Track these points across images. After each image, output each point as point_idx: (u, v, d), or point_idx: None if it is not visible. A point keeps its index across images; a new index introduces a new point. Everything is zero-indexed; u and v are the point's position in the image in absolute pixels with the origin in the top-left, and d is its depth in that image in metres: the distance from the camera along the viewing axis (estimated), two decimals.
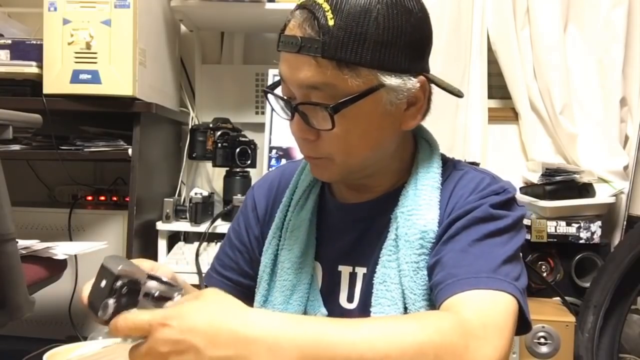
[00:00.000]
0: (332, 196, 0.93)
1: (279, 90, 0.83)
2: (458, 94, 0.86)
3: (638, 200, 2.09)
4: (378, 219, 0.86)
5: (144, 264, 0.72)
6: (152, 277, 0.64)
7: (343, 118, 0.76)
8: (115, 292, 0.61)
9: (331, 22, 0.73)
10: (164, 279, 0.65)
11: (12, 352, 1.93)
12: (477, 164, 0.91)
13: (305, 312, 0.88)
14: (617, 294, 1.81)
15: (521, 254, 0.80)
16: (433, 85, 0.84)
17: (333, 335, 0.59)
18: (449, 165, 0.88)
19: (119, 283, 0.61)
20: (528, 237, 1.96)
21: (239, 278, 0.99)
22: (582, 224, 1.97)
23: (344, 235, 0.89)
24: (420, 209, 0.82)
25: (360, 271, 0.87)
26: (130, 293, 0.62)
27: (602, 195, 2.06)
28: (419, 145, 0.90)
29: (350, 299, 0.87)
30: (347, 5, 0.74)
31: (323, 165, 0.83)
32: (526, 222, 1.94)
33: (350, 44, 0.73)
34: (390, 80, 0.76)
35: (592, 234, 1.96)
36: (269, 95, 0.83)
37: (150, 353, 0.58)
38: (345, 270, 0.88)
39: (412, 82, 0.78)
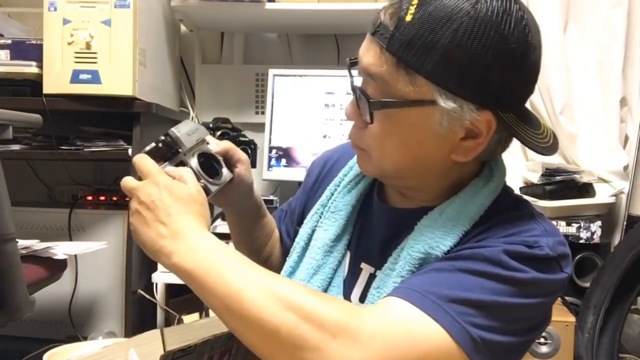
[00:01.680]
0: (379, 191, 0.89)
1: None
2: (540, 152, 0.73)
3: (638, 200, 2.09)
4: (407, 231, 0.79)
5: (220, 145, 0.90)
6: (204, 155, 0.83)
7: (385, 118, 0.72)
8: (161, 152, 0.79)
9: (408, 17, 0.68)
10: (217, 167, 0.87)
11: (12, 352, 1.93)
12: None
13: None
14: (617, 294, 1.81)
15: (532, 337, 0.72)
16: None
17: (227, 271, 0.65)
18: (508, 201, 0.78)
19: (164, 143, 0.79)
20: None
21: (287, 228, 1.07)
22: (582, 224, 1.97)
23: (375, 235, 0.86)
24: (437, 227, 0.75)
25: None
26: (173, 158, 0.80)
27: (602, 195, 2.06)
28: (482, 171, 0.80)
29: (362, 298, 0.84)
30: (432, 6, 0.67)
31: (363, 157, 0.80)
32: None
33: (416, 47, 0.67)
34: (446, 103, 0.68)
35: (592, 234, 1.96)
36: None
37: (133, 194, 0.74)
38: (366, 269, 0.86)
39: (473, 115, 0.69)
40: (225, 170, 0.88)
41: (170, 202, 0.71)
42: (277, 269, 0.94)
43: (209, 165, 0.85)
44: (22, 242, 1.41)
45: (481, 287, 0.66)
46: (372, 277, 0.84)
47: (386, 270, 0.79)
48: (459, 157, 0.74)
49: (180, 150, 0.79)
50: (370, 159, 0.78)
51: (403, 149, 0.74)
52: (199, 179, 0.79)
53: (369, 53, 0.72)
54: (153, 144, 0.79)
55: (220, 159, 0.89)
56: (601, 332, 1.80)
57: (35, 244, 1.48)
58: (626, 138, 2.18)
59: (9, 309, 1.22)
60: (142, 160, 0.76)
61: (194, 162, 0.80)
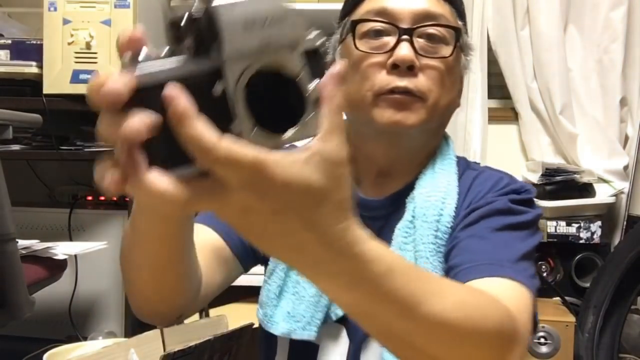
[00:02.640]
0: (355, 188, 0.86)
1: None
2: None
3: (638, 200, 2.09)
4: (394, 215, 0.82)
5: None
6: (271, 76, 0.39)
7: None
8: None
9: None
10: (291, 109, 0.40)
11: (12, 352, 1.93)
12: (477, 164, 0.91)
13: (327, 308, 0.80)
14: (617, 294, 1.81)
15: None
16: None
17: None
18: (462, 162, 0.87)
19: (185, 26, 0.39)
20: None
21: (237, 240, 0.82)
22: (582, 224, 1.97)
23: None
24: (438, 190, 0.80)
25: None
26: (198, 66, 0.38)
27: (602, 195, 2.06)
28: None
29: None
30: None
31: (413, 105, 0.78)
32: None
33: None
34: (464, 38, 0.84)
35: (592, 234, 1.97)
36: (363, 25, 0.82)
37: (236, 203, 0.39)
38: None
39: (467, 60, 0.85)
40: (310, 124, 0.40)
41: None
42: (202, 282, 0.74)
43: (276, 100, 0.40)
44: (22, 242, 1.41)
45: (516, 239, 0.74)
46: None
47: (400, 244, 0.79)
48: (458, 102, 0.87)
49: (215, 50, 0.38)
50: (423, 105, 0.79)
51: (452, 91, 0.83)
52: (228, 123, 0.38)
53: (422, 1, 0.80)
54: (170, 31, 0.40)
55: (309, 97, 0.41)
56: (601, 332, 1.80)
57: (35, 244, 1.48)
58: (626, 138, 2.18)
59: (9, 309, 1.22)
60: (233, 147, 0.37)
61: (239, 86, 0.38)
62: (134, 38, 0.38)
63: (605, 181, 2.11)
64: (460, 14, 0.85)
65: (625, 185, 2.10)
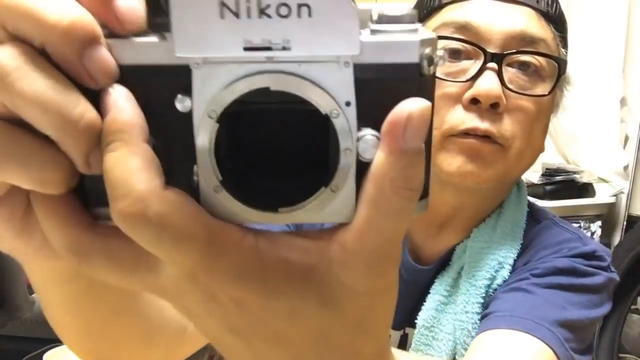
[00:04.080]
0: (404, 243, 0.71)
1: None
2: None
3: (638, 200, 2.09)
4: (444, 276, 0.68)
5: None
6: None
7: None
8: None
9: None
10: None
11: (12, 352, 1.93)
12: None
13: None
14: (617, 294, 1.80)
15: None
16: None
17: None
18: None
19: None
20: None
21: None
22: (582, 224, 1.96)
23: (403, 297, 0.68)
24: (495, 245, 0.65)
25: (412, 332, 0.69)
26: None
27: (602, 195, 2.06)
28: None
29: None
30: None
31: (490, 154, 0.61)
32: None
33: (558, 9, 0.65)
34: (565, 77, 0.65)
35: (592, 234, 1.96)
36: (447, 44, 0.62)
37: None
38: (394, 334, 0.71)
39: (563, 96, 0.68)
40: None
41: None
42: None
43: (280, 148, 0.25)
44: None
45: (569, 301, 0.61)
46: (404, 338, 0.69)
47: (436, 304, 0.66)
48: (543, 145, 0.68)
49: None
50: (505, 154, 0.62)
51: (545, 132, 0.66)
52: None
53: (518, 16, 0.62)
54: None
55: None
56: (601, 332, 1.80)
57: None
58: (626, 138, 2.18)
59: (9, 309, 1.22)
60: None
61: (211, 109, 0.22)
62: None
63: (605, 181, 2.11)
64: (564, 40, 0.66)
65: (625, 185, 2.10)
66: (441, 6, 0.65)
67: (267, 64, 0.21)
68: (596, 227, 1.96)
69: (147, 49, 0.22)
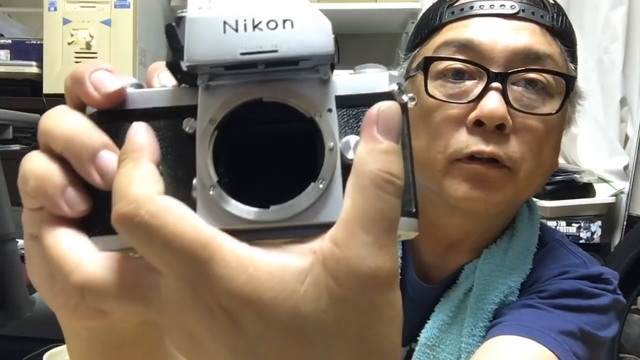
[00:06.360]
0: (412, 260, 0.69)
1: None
2: None
3: (638, 200, 2.09)
4: (450, 296, 0.67)
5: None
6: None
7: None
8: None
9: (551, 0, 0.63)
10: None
11: (12, 352, 1.93)
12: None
13: None
14: None
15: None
16: None
17: None
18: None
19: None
20: None
21: None
22: (582, 224, 1.96)
23: (412, 315, 0.66)
24: (506, 270, 0.64)
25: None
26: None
27: (602, 195, 2.06)
28: None
29: None
30: None
31: (498, 179, 0.59)
32: None
33: (568, 25, 0.63)
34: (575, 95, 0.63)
35: (592, 234, 1.96)
36: (439, 62, 0.60)
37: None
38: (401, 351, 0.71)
39: (575, 112, 0.65)
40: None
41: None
42: None
43: (271, 154, 0.28)
44: (22, 242, 1.41)
45: (577, 319, 0.60)
46: (410, 354, 0.67)
47: (441, 324, 0.64)
48: (556, 163, 0.66)
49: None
50: (514, 178, 0.60)
51: (552, 158, 0.63)
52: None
53: (522, 33, 0.60)
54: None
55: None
56: None
57: None
58: (626, 138, 2.18)
59: (9, 309, 1.22)
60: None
61: (207, 121, 0.26)
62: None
63: (605, 181, 2.11)
64: (573, 55, 0.64)
65: (625, 185, 2.10)
66: (442, 25, 0.63)
67: (260, 74, 0.27)
68: (596, 227, 1.96)
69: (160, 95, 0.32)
